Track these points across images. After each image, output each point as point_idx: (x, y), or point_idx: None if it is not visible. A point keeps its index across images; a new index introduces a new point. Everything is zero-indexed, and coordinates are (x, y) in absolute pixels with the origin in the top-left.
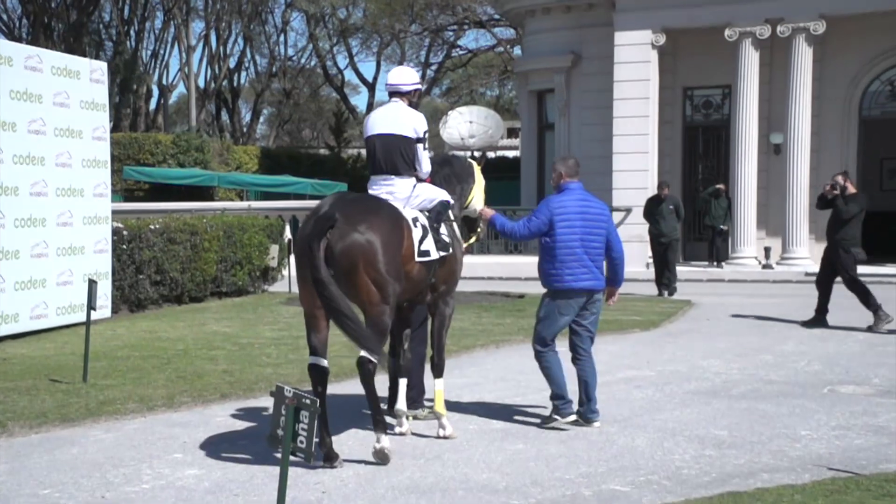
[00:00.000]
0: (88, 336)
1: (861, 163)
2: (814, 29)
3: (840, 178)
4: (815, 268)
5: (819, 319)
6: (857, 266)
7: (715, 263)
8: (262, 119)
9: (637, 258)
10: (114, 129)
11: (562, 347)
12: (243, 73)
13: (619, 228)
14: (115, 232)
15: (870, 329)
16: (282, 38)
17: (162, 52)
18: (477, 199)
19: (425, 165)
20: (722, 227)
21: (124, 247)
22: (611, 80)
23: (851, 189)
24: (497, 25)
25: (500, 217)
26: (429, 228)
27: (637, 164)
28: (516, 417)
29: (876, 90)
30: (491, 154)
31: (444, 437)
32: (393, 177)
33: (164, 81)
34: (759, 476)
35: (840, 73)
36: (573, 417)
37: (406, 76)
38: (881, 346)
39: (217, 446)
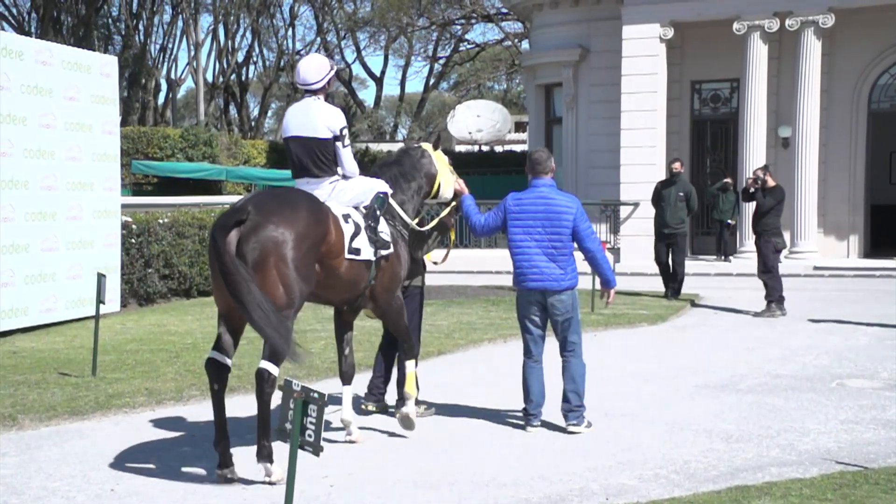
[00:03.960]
0: (97, 330)
1: (870, 156)
2: (822, 22)
3: (760, 173)
4: (824, 262)
5: (771, 307)
6: (778, 255)
7: (723, 257)
8: (270, 113)
9: (645, 252)
10: (122, 123)
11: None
12: (251, 67)
13: (626, 222)
14: (124, 226)
15: (756, 314)
16: (290, 32)
17: (170, 46)
18: (445, 182)
19: (348, 165)
20: (730, 221)
21: (133, 241)
22: (618, 74)
23: (771, 182)
24: (505, 19)
25: (471, 205)
26: (363, 226)
27: (644, 158)
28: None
29: (885, 83)
30: (499, 148)
31: (405, 416)
32: (314, 180)
33: (172, 75)
34: (767, 470)
35: (849, 66)
36: (534, 429)
37: (312, 72)
38: (889, 339)
39: None
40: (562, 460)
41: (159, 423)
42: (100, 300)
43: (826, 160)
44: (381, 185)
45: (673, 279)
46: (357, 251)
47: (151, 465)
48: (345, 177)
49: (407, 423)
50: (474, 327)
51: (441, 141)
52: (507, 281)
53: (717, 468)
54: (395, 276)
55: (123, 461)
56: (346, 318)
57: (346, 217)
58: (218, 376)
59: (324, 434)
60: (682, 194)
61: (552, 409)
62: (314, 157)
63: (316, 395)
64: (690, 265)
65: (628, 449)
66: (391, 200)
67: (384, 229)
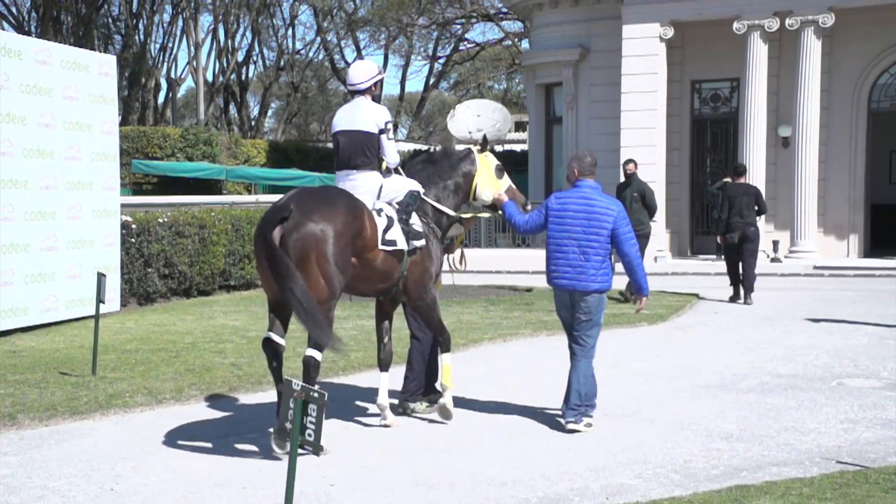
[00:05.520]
0: (97, 329)
1: (870, 155)
2: (822, 21)
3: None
4: (824, 261)
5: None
6: (726, 247)
7: (723, 257)
8: (270, 112)
9: (646, 252)
10: (122, 123)
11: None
12: (251, 67)
13: None
14: (124, 225)
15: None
16: (290, 32)
17: (170, 45)
18: (482, 184)
19: (391, 155)
20: None
21: (133, 240)
22: (619, 73)
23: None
24: (505, 19)
25: (512, 207)
26: (395, 219)
27: (645, 157)
28: (525, 411)
29: (885, 83)
30: (499, 147)
31: (443, 406)
32: (355, 171)
33: (172, 75)
34: (767, 469)
35: (849, 65)
36: (588, 420)
37: (360, 74)
38: (889, 339)
39: (225, 439)
40: (562, 460)
41: (159, 423)
42: (99, 300)
43: (826, 160)
44: (413, 185)
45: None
46: (392, 242)
47: (151, 465)
48: (388, 169)
49: (445, 413)
50: (474, 327)
51: (487, 143)
52: (507, 280)
53: (717, 467)
54: (427, 270)
55: (123, 460)
56: (386, 309)
57: (379, 211)
58: (275, 354)
59: (323, 433)
60: (636, 194)
61: (552, 408)
62: (359, 149)
63: (316, 394)
64: (691, 264)
65: (629, 448)
66: (425, 198)
67: (416, 222)
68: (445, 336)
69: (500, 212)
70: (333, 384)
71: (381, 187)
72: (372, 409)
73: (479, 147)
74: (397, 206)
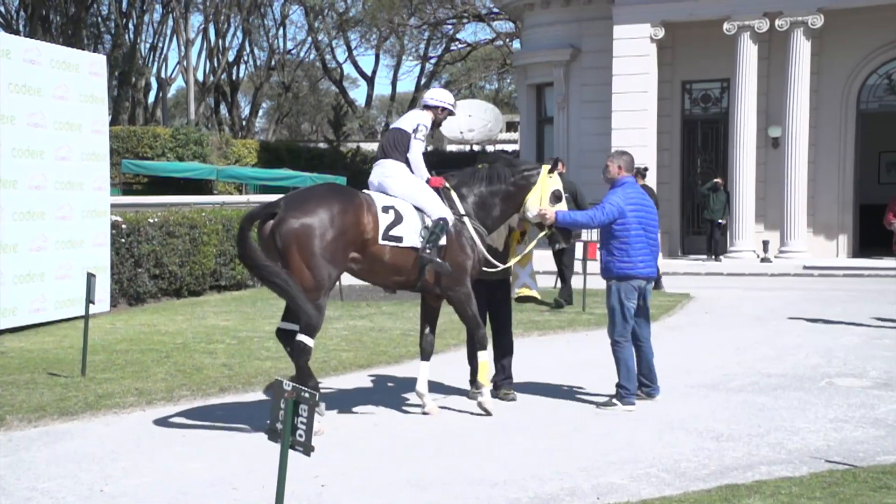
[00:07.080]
0: (87, 330)
1: (859, 156)
2: (812, 23)
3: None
4: (813, 261)
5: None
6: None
7: (713, 257)
8: (260, 112)
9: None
10: (112, 123)
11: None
12: (242, 67)
13: None
14: (114, 225)
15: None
16: (281, 32)
17: (160, 45)
18: (532, 201)
19: (412, 152)
20: (720, 220)
21: (123, 240)
22: (610, 73)
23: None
24: (496, 19)
25: (567, 214)
26: (406, 216)
27: (636, 158)
28: (517, 411)
29: (874, 84)
30: (490, 147)
31: (481, 403)
32: (383, 160)
33: (162, 75)
34: (757, 469)
35: (838, 66)
36: (632, 408)
37: (435, 93)
38: (878, 338)
39: (216, 440)
40: (554, 459)
41: (149, 424)
42: (89, 300)
43: (815, 160)
44: (445, 214)
45: (562, 282)
46: (397, 238)
47: (142, 466)
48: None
49: (485, 410)
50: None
51: (554, 166)
52: None
53: (707, 467)
54: (458, 264)
55: (113, 462)
56: (430, 303)
57: (387, 208)
58: (287, 340)
59: (315, 434)
60: (567, 196)
61: (542, 405)
62: (392, 142)
63: (307, 394)
64: (681, 264)
65: (619, 448)
66: (455, 199)
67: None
68: (481, 332)
69: (547, 230)
70: (325, 384)
71: (405, 184)
72: (364, 409)
73: (549, 166)
74: (425, 229)
